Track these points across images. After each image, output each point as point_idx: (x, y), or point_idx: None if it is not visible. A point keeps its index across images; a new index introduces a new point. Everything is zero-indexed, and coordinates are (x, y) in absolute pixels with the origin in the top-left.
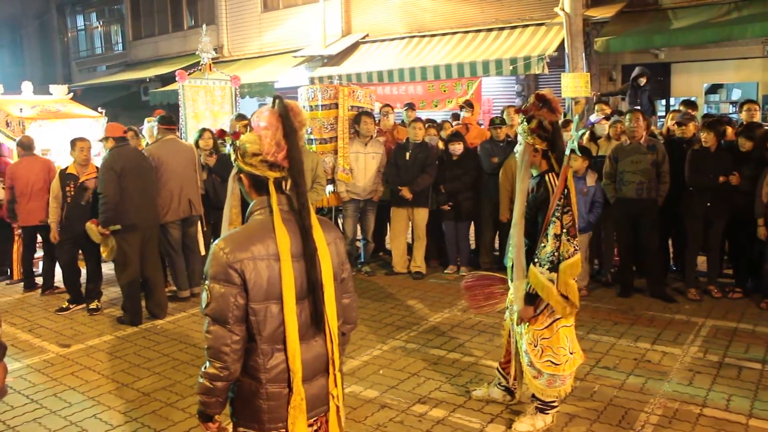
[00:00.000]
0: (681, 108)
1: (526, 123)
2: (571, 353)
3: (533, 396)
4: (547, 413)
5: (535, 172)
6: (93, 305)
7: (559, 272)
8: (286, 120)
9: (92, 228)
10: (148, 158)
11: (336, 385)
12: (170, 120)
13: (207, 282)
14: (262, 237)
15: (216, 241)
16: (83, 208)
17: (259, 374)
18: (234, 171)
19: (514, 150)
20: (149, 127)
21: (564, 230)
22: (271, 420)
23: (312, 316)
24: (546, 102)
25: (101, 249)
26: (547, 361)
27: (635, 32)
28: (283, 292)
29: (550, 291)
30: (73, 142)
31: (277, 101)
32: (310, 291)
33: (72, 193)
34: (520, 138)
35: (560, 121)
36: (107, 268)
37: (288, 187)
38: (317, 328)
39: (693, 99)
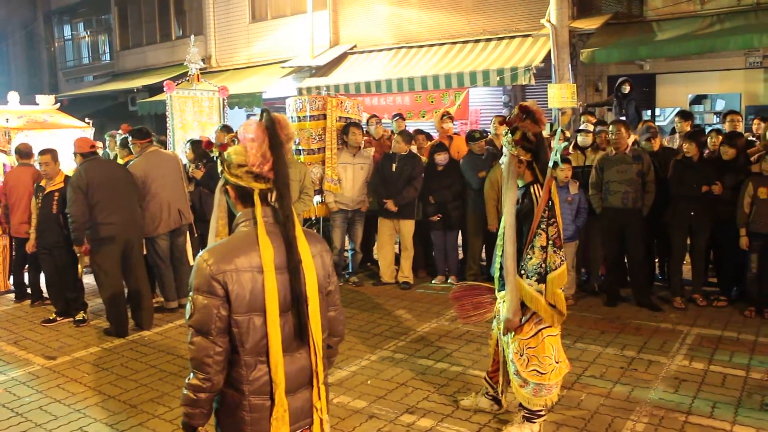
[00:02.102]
0: (676, 120)
1: (510, 134)
2: (557, 362)
3: (520, 405)
4: (534, 422)
5: (520, 183)
6: (78, 317)
7: (547, 283)
8: (273, 132)
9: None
10: (123, 167)
11: (320, 398)
12: (146, 133)
13: (191, 293)
14: (246, 249)
15: (200, 253)
16: (53, 217)
17: (242, 386)
18: (221, 182)
19: (500, 161)
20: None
21: (550, 242)
22: None
23: (296, 329)
24: (529, 113)
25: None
26: (533, 370)
27: (621, 44)
28: (266, 304)
29: (539, 301)
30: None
31: (264, 114)
32: (294, 303)
33: (40, 204)
34: (504, 149)
35: (549, 132)
36: (88, 279)
37: (273, 199)
38: (301, 341)
39: (686, 109)
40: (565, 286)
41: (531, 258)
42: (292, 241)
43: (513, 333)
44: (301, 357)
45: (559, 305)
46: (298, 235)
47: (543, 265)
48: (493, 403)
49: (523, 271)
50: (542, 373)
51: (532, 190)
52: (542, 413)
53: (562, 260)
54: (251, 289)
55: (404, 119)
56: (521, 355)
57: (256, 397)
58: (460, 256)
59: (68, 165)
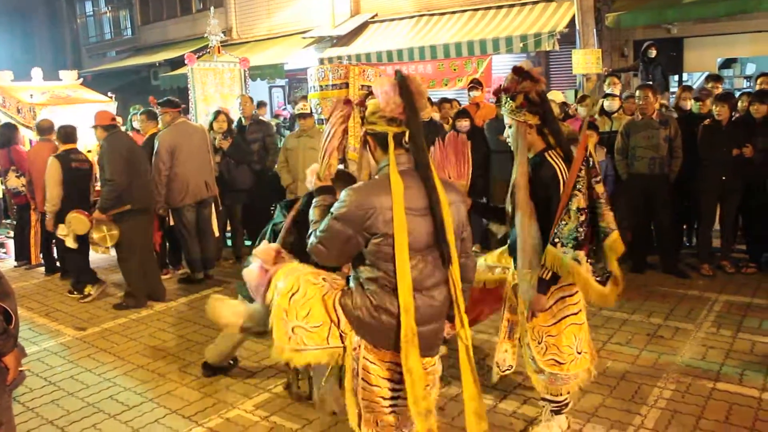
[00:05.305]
0: (706, 83)
1: (511, 101)
2: (579, 353)
3: (543, 399)
4: (562, 413)
5: (530, 154)
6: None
7: (606, 251)
8: (403, 84)
9: (78, 217)
10: (136, 143)
11: (463, 326)
12: (175, 103)
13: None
14: (387, 189)
15: (345, 190)
16: None
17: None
18: (361, 137)
19: (504, 135)
20: (133, 114)
21: (601, 200)
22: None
23: (434, 265)
24: (525, 74)
25: (95, 238)
26: (551, 359)
27: (647, 7)
28: (395, 238)
29: (578, 272)
30: None
31: (396, 72)
32: (436, 241)
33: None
34: (508, 120)
35: (574, 99)
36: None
37: (407, 140)
38: (438, 277)
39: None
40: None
41: (566, 224)
42: (430, 180)
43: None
44: (437, 292)
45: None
46: (435, 180)
47: (580, 230)
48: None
49: (557, 239)
50: (560, 363)
51: (548, 158)
52: (568, 402)
53: (611, 228)
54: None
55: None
56: (539, 343)
57: (386, 314)
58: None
59: (89, 140)
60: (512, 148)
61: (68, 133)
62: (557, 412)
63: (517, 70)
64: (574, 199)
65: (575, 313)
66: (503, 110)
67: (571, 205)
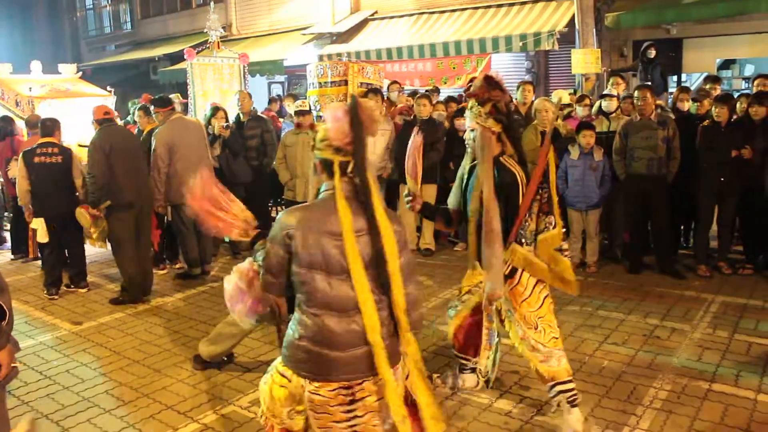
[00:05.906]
0: (705, 84)
1: (479, 106)
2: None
3: (556, 393)
4: (576, 404)
5: None
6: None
7: (537, 245)
8: (354, 114)
9: (82, 213)
10: (136, 136)
11: (409, 344)
12: (167, 101)
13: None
14: (324, 213)
15: (282, 212)
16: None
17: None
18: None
19: (465, 137)
20: (134, 109)
21: (538, 206)
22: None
23: (373, 287)
24: (495, 84)
25: (92, 232)
26: (551, 337)
27: (646, 7)
28: (349, 265)
29: (540, 266)
30: None
31: (351, 98)
32: (375, 264)
33: None
34: (471, 123)
35: (577, 96)
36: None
37: (350, 170)
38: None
39: (713, 74)
40: (588, 253)
41: (529, 225)
42: (368, 206)
43: (516, 307)
44: (353, 321)
45: (565, 274)
46: (376, 205)
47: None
48: (476, 377)
49: (522, 239)
50: (556, 338)
51: (505, 162)
52: (573, 385)
53: (546, 227)
54: (322, 250)
55: (435, 93)
56: (536, 328)
57: (315, 344)
58: None
59: (86, 133)
60: (469, 149)
61: (44, 126)
62: (573, 404)
63: (488, 79)
64: (536, 203)
65: (548, 295)
66: (469, 113)
67: (533, 208)
